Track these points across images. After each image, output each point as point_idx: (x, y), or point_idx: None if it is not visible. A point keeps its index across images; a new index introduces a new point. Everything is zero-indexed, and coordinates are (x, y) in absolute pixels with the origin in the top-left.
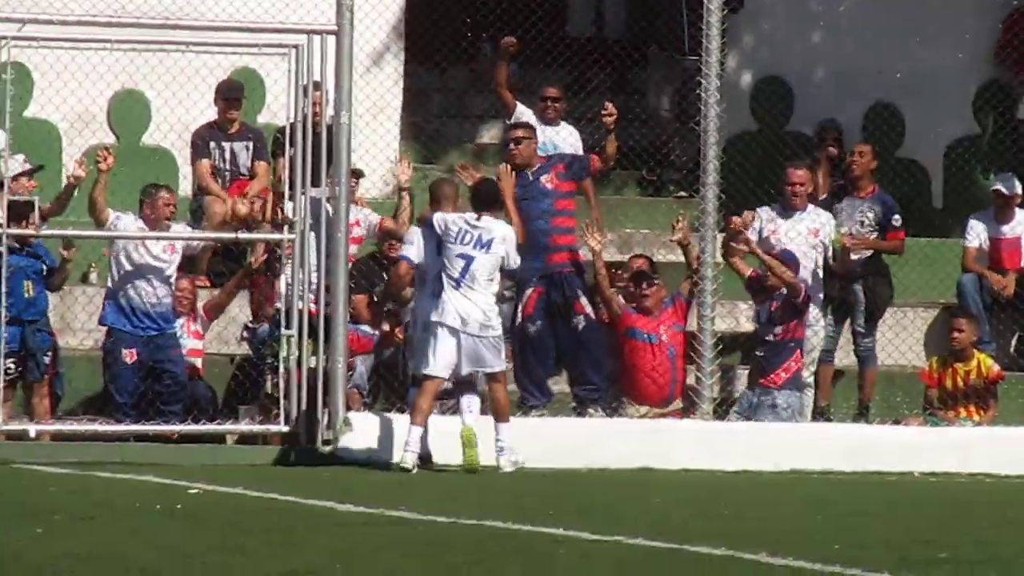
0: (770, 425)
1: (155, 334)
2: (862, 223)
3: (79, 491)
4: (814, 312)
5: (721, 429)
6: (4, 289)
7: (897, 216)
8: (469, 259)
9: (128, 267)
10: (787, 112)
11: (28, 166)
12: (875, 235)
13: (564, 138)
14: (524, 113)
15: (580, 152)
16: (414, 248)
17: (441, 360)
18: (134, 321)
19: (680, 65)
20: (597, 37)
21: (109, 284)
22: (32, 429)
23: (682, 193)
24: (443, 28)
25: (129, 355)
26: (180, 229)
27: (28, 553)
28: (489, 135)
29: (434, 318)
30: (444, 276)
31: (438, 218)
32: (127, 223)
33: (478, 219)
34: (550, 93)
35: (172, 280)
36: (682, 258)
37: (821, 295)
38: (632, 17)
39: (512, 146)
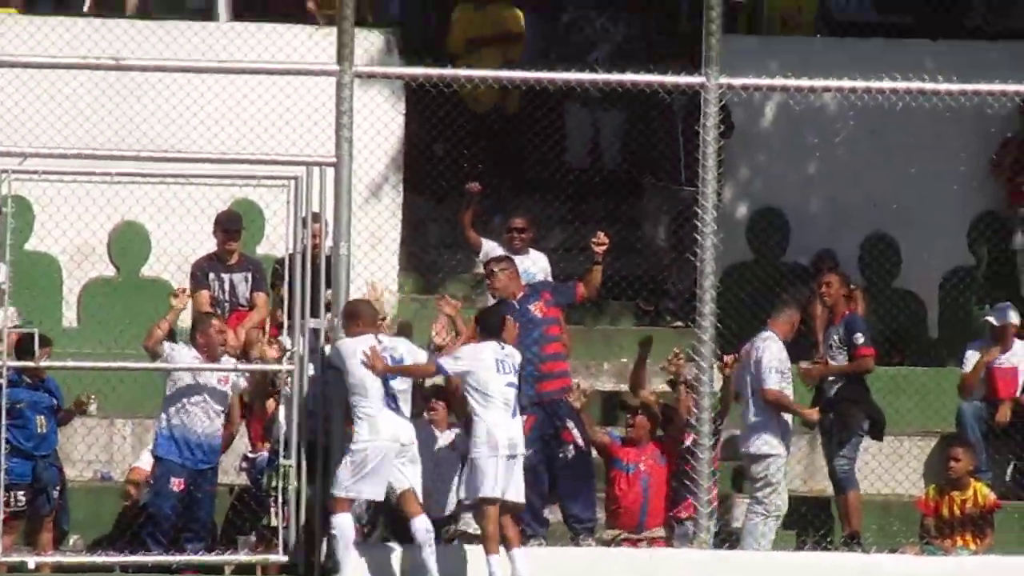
0: (771, 554)
1: (204, 467)
2: (831, 346)
3: None
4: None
5: (719, 557)
6: (3, 421)
7: (859, 334)
8: (514, 385)
9: (183, 399)
10: (783, 243)
11: (18, 321)
12: (842, 357)
13: (534, 262)
14: (493, 248)
15: (550, 275)
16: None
17: (499, 483)
18: (184, 452)
19: (676, 195)
20: (594, 167)
21: (164, 415)
22: (31, 561)
23: (678, 323)
24: (442, 159)
25: (177, 484)
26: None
27: None
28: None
29: (484, 443)
30: (491, 402)
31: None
32: (182, 354)
33: (503, 347)
34: (516, 224)
35: (223, 412)
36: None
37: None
38: (628, 148)
39: (488, 281)
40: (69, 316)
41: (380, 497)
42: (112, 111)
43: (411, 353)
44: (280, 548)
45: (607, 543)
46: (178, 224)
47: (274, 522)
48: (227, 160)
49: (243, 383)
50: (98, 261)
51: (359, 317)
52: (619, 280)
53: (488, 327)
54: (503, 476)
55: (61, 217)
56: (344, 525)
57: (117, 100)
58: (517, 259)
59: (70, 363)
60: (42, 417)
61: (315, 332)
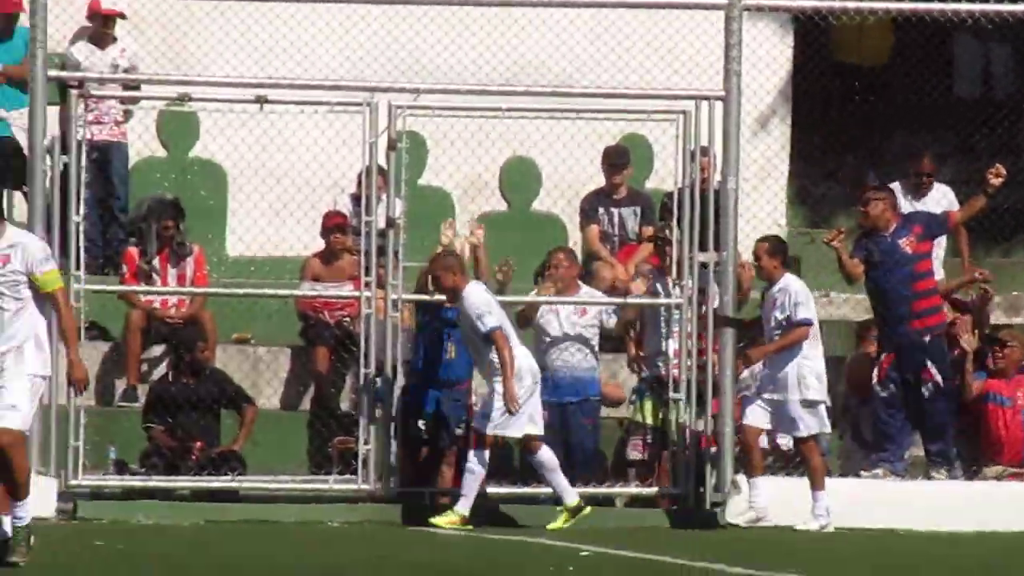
0: None
1: (576, 401)
2: None
3: (476, 554)
4: None
5: None
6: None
7: None
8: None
9: (546, 336)
10: None
11: None
12: None
13: (944, 195)
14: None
15: (956, 205)
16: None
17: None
18: (560, 388)
19: None
20: (984, 98)
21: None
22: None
23: None
24: (831, 92)
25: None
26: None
27: None
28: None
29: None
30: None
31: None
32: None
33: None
34: (924, 169)
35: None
36: None
37: None
38: (1021, 78)
39: (863, 209)
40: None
41: (520, 434)
42: (503, 46)
43: None
44: (670, 481)
45: (996, 478)
46: (568, 158)
47: (634, 455)
48: (617, 95)
49: (614, 320)
50: (490, 195)
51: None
52: (1014, 212)
53: None
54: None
55: (455, 152)
56: (482, 462)
57: (508, 36)
58: (923, 200)
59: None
60: (453, 345)
61: (703, 266)
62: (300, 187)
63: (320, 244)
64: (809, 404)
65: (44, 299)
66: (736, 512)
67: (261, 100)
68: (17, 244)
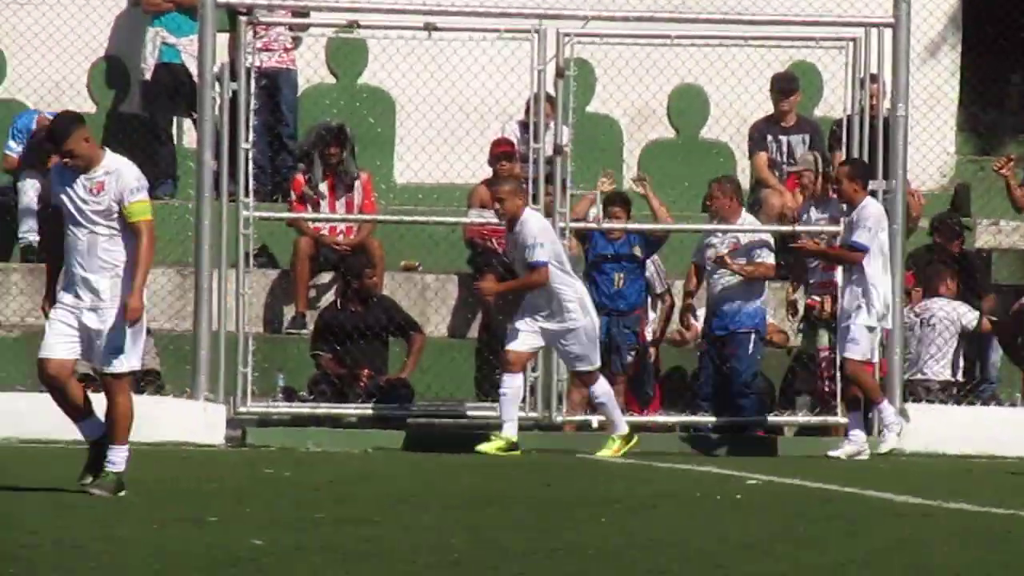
0: None
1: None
2: None
3: (641, 481)
4: None
5: None
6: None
7: None
8: None
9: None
10: None
11: None
12: None
13: None
14: None
15: None
16: None
17: None
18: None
19: None
20: None
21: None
22: (594, 420)
23: None
24: (1002, 18)
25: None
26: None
27: (586, 540)
28: None
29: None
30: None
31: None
32: None
33: None
34: None
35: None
36: None
37: None
38: None
39: None
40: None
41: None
42: None
43: None
44: (838, 409)
45: None
46: (736, 86)
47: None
48: (785, 22)
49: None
50: (657, 123)
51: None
52: None
53: None
54: None
55: (622, 80)
56: (516, 384)
57: None
58: None
59: (630, 225)
60: (621, 274)
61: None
62: (468, 114)
63: (488, 171)
64: (869, 329)
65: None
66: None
67: (430, 27)
68: (113, 171)
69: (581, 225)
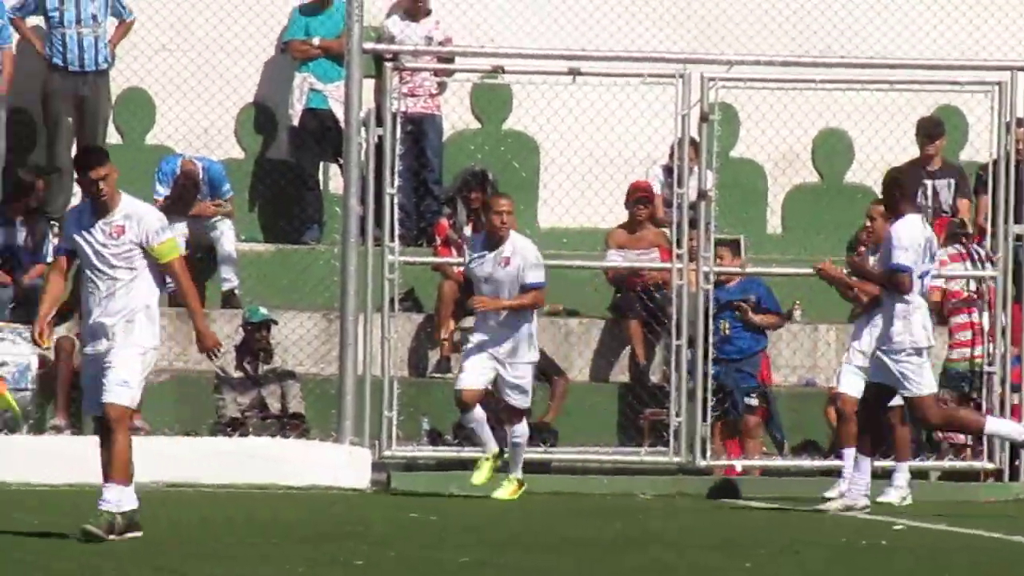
0: None
1: None
2: None
3: (784, 526)
4: None
5: None
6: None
7: None
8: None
9: None
10: None
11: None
12: None
13: None
14: None
15: None
16: None
17: None
18: None
19: None
20: None
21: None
22: (738, 464)
23: None
24: None
25: None
26: None
27: None
28: None
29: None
30: None
31: None
32: None
33: None
34: None
35: None
36: None
37: None
38: None
39: None
40: (773, 222)
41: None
42: (817, 18)
43: None
44: (984, 455)
45: None
46: (881, 130)
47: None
48: (931, 66)
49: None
50: (802, 167)
51: None
52: None
53: None
54: None
55: (767, 124)
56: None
57: (822, 7)
58: None
59: (774, 268)
60: (726, 322)
61: (1019, 238)
62: (612, 159)
63: (625, 215)
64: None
65: (159, 270)
66: None
67: (574, 72)
68: (132, 215)
69: (724, 270)
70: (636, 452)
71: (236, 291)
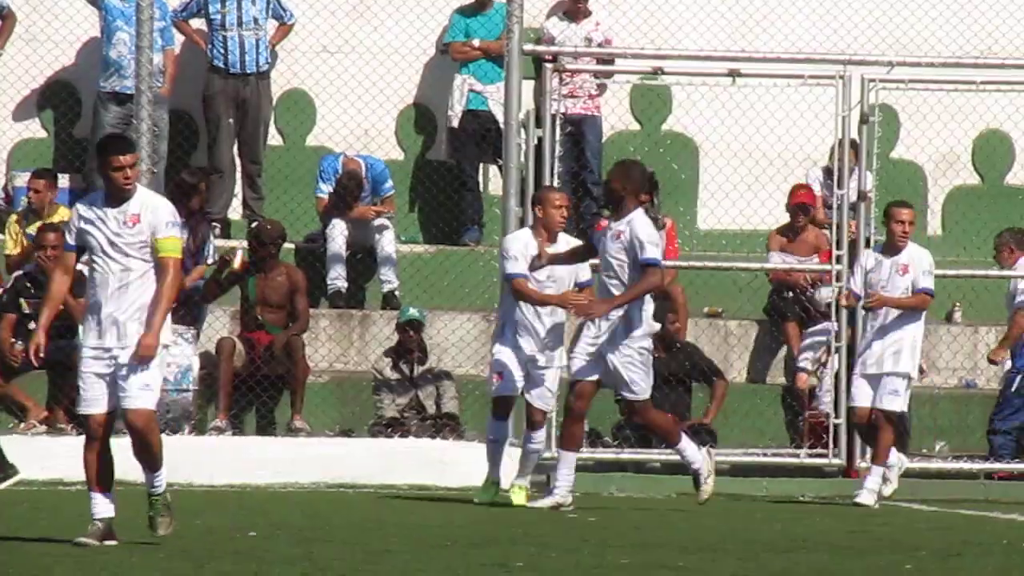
0: None
1: None
2: None
3: (944, 528)
4: None
5: None
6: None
7: None
8: None
9: None
10: None
11: None
12: None
13: None
14: None
15: None
16: None
17: None
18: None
19: None
20: None
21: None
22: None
23: None
24: None
25: None
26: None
27: None
28: None
29: None
30: None
31: None
32: None
33: None
34: None
35: None
36: None
37: None
38: None
39: None
40: (933, 224)
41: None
42: (977, 19)
43: None
44: None
45: None
46: None
47: None
48: None
49: None
50: (962, 169)
51: None
52: None
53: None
54: None
55: (927, 125)
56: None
57: (983, 7)
58: None
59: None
60: None
61: None
62: (772, 160)
63: (785, 216)
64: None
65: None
66: None
67: (734, 74)
68: (149, 205)
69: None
70: (795, 454)
71: (396, 292)
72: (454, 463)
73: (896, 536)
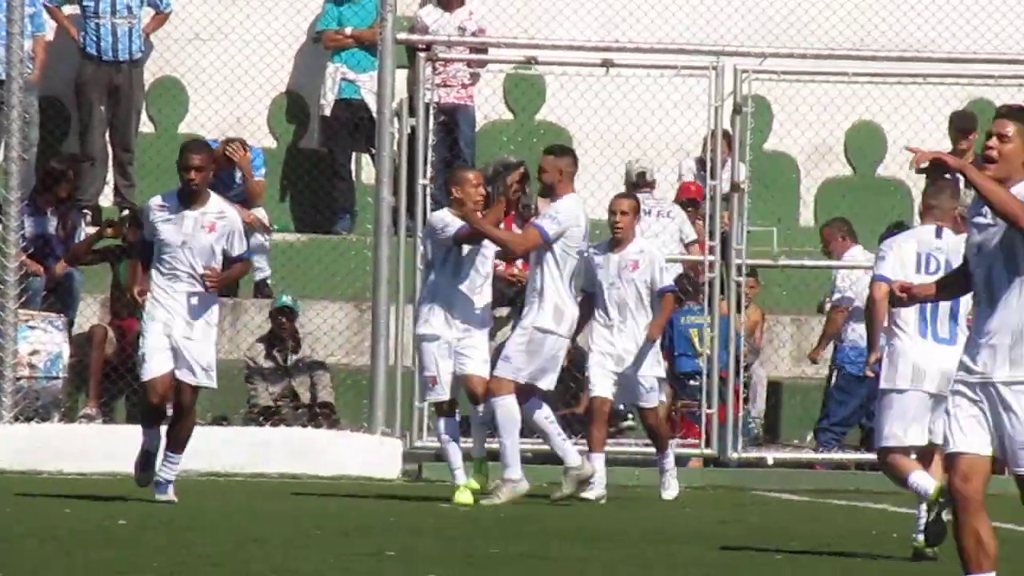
0: None
1: None
2: None
3: (815, 519)
4: None
5: None
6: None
7: None
8: None
9: None
10: None
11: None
12: None
13: None
14: None
15: None
16: None
17: None
18: None
19: None
20: None
21: None
22: (770, 457)
23: None
24: None
25: None
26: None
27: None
28: None
29: None
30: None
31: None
32: None
33: None
34: None
35: None
36: None
37: None
38: None
39: None
40: (805, 215)
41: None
42: (850, 11)
43: None
44: None
45: None
46: (914, 123)
47: None
48: (964, 59)
49: None
50: (834, 160)
51: None
52: None
53: None
54: None
55: (800, 117)
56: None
57: (855, 0)
58: None
59: (807, 261)
60: None
61: None
62: (645, 151)
63: None
64: None
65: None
66: None
67: (607, 64)
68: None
69: (757, 262)
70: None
71: (268, 281)
72: (328, 452)
73: (767, 526)
